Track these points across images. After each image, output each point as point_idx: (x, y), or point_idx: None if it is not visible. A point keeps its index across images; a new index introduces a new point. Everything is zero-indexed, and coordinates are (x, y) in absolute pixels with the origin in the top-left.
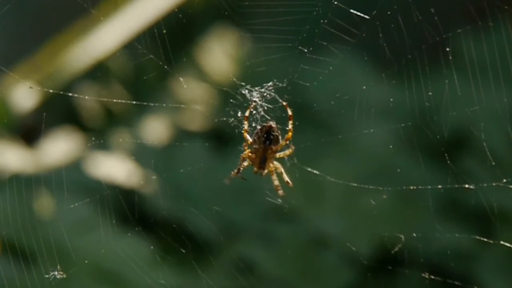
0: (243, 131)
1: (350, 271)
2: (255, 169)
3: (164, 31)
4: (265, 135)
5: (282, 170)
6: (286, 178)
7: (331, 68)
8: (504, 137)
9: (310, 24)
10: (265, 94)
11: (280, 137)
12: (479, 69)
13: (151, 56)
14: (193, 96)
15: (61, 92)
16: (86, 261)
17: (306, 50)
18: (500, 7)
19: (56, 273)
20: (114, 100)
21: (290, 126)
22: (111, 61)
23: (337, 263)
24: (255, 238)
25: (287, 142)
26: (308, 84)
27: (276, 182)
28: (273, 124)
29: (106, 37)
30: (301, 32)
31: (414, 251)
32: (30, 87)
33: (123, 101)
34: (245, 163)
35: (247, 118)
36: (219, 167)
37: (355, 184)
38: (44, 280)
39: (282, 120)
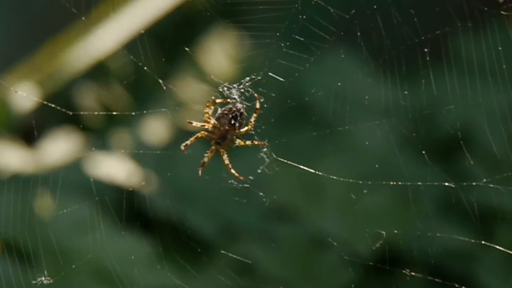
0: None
1: (350, 271)
2: (213, 146)
3: (150, 39)
4: (232, 116)
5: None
6: (231, 168)
7: (307, 65)
8: (485, 135)
9: (288, 20)
10: (242, 90)
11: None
12: (456, 69)
13: (141, 65)
14: (192, 96)
15: (45, 102)
16: (86, 261)
17: (283, 45)
18: (479, 9)
19: (43, 278)
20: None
21: (252, 119)
22: (111, 61)
23: (337, 263)
24: (255, 238)
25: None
26: (283, 80)
27: (227, 161)
28: (242, 108)
29: (106, 37)
30: (280, 28)
31: (414, 251)
32: (16, 92)
33: (116, 112)
34: (199, 135)
35: (215, 104)
36: (219, 166)
37: (335, 177)
38: (43, 279)
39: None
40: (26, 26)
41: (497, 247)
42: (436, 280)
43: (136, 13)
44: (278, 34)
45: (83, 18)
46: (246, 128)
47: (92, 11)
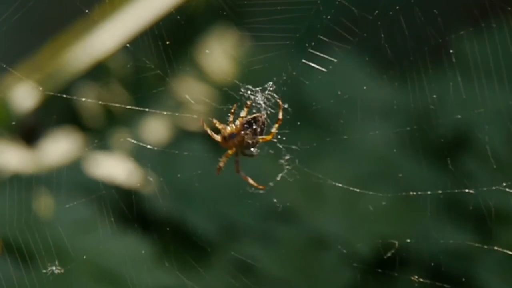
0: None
1: (350, 272)
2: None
3: (158, 33)
4: (250, 122)
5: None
6: (242, 173)
7: (330, 67)
8: (508, 139)
9: (310, 21)
10: (266, 92)
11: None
12: (483, 71)
13: (146, 61)
14: (193, 97)
15: (62, 95)
16: (86, 261)
17: (307, 45)
18: (503, 8)
19: (54, 268)
20: (114, 104)
21: (273, 129)
22: (111, 61)
23: (337, 263)
24: (255, 238)
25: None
26: (307, 82)
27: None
28: (263, 116)
29: (106, 37)
30: (301, 29)
31: (414, 253)
32: (40, 88)
33: (118, 104)
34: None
35: (248, 106)
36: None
37: (352, 188)
38: (42, 279)
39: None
40: (26, 26)
41: (509, 252)
42: (445, 286)
43: (136, 12)
44: (298, 35)
45: (87, 11)
46: (266, 136)
47: (92, 11)
